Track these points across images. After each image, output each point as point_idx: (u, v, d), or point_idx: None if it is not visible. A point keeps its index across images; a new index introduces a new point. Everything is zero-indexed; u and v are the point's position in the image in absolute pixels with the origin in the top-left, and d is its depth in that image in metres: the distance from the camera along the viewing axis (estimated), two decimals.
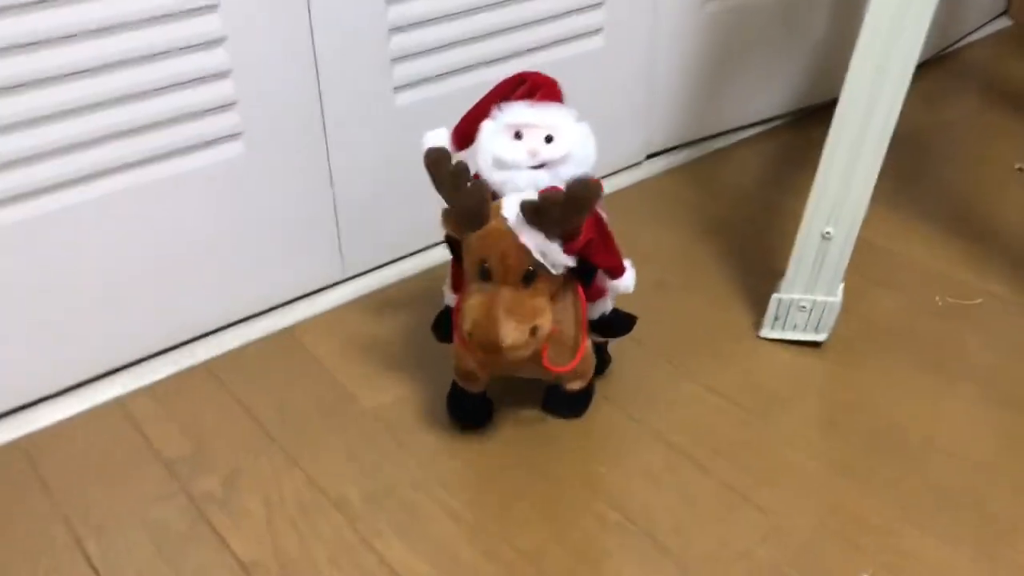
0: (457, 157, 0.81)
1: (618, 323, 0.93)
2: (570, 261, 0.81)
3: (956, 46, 1.80)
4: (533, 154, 0.81)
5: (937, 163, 1.42)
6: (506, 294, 0.78)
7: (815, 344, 1.04)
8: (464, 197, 0.79)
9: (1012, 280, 1.15)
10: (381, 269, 1.18)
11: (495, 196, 0.81)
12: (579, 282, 0.86)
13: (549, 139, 0.82)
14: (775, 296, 1.04)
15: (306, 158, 1.06)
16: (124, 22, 0.88)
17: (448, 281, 0.92)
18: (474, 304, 0.79)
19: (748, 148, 1.47)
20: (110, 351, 1.02)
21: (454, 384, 0.93)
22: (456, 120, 0.86)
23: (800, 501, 0.86)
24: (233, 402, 0.99)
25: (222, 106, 0.97)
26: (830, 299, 1.02)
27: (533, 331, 0.79)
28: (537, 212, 0.77)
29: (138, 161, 0.95)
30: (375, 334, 1.08)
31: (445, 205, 0.81)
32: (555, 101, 0.86)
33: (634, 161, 1.40)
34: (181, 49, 0.92)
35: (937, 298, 1.12)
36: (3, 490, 0.89)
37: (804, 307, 1.03)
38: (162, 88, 0.93)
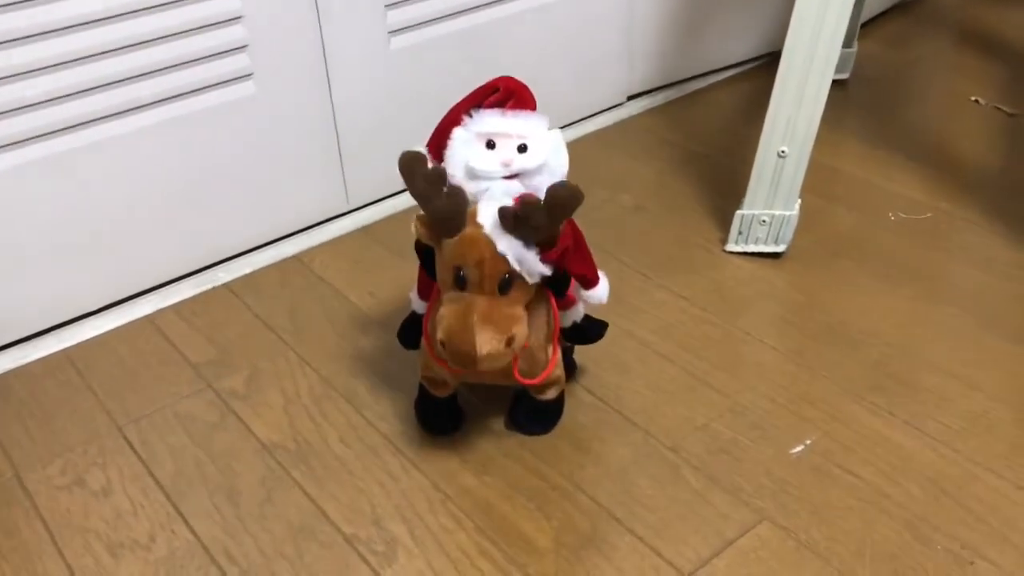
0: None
1: (590, 329, 0.92)
2: (546, 270, 0.79)
3: None
4: (506, 164, 0.79)
5: (901, 97, 1.52)
6: (482, 302, 0.77)
7: (776, 255, 1.15)
8: (441, 202, 0.77)
9: (960, 197, 1.26)
10: (382, 201, 1.30)
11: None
12: (552, 292, 0.85)
13: (523, 148, 0.80)
14: (738, 212, 1.15)
15: (310, 98, 1.17)
16: None
17: (415, 287, 0.91)
18: (448, 313, 0.77)
19: (723, 89, 1.58)
20: (140, 274, 1.13)
21: (421, 388, 0.92)
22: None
23: (754, 384, 0.97)
24: (251, 316, 1.11)
25: (234, 49, 1.08)
26: (788, 213, 1.13)
27: (509, 341, 0.77)
28: (518, 219, 0.75)
29: (160, 99, 1.06)
30: (378, 259, 1.19)
31: (419, 209, 0.79)
32: (528, 108, 0.82)
33: (616, 102, 1.51)
34: None
35: (890, 214, 1.23)
36: (54, 391, 1.01)
37: (765, 221, 1.14)
38: (181, 32, 1.04)
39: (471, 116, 0.81)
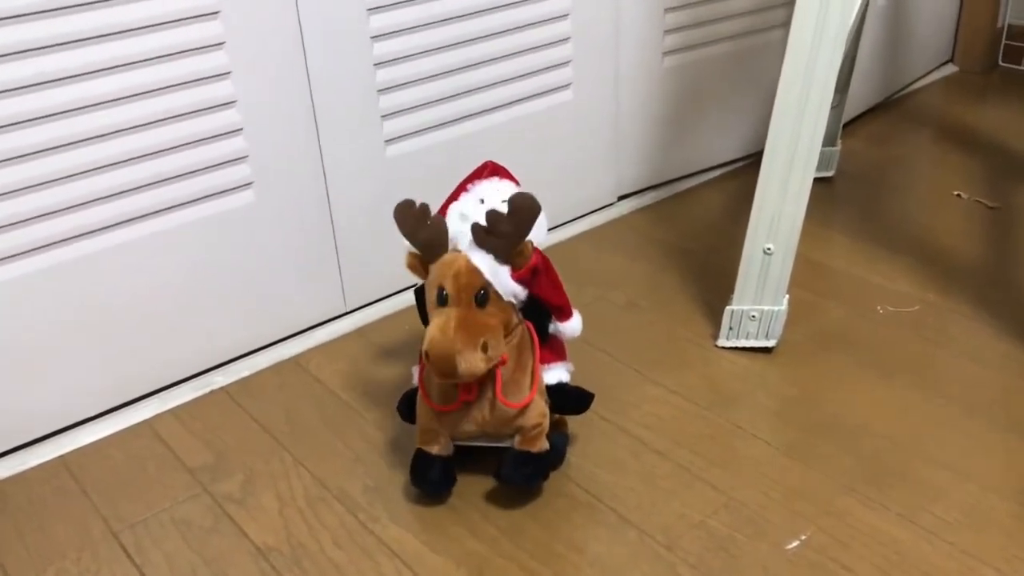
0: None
1: (574, 397, 0.99)
2: (519, 289, 0.90)
3: (904, 91, 1.95)
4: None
5: (885, 193, 1.56)
6: (459, 312, 0.87)
7: (767, 350, 1.17)
8: (426, 229, 0.90)
9: (946, 289, 1.28)
10: (379, 303, 1.32)
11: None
12: (535, 328, 0.94)
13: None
14: (728, 308, 1.16)
15: (309, 205, 1.20)
16: (150, 88, 1.03)
17: (417, 364, 0.99)
18: (431, 326, 0.88)
19: (711, 188, 1.62)
20: (139, 380, 1.15)
21: (417, 452, 0.97)
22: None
23: (748, 479, 0.97)
24: (248, 419, 1.11)
25: (234, 160, 1.12)
26: (776, 308, 1.14)
27: (484, 347, 0.86)
28: (487, 230, 0.87)
29: (160, 209, 1.09)
30: (374, 359, 1.21)
31: (410, 249, 0.92)
32: (512, 182, 0.98)
33: (607, 202, 1.55)
34: (199, 110, 1.07)
35: (879, 307, 1.25)
36: (49, 498, 1.01)
37: (754, 317, 1.15)
38: (183, 144, 1.08)
39: (468, 190, 0.96)
